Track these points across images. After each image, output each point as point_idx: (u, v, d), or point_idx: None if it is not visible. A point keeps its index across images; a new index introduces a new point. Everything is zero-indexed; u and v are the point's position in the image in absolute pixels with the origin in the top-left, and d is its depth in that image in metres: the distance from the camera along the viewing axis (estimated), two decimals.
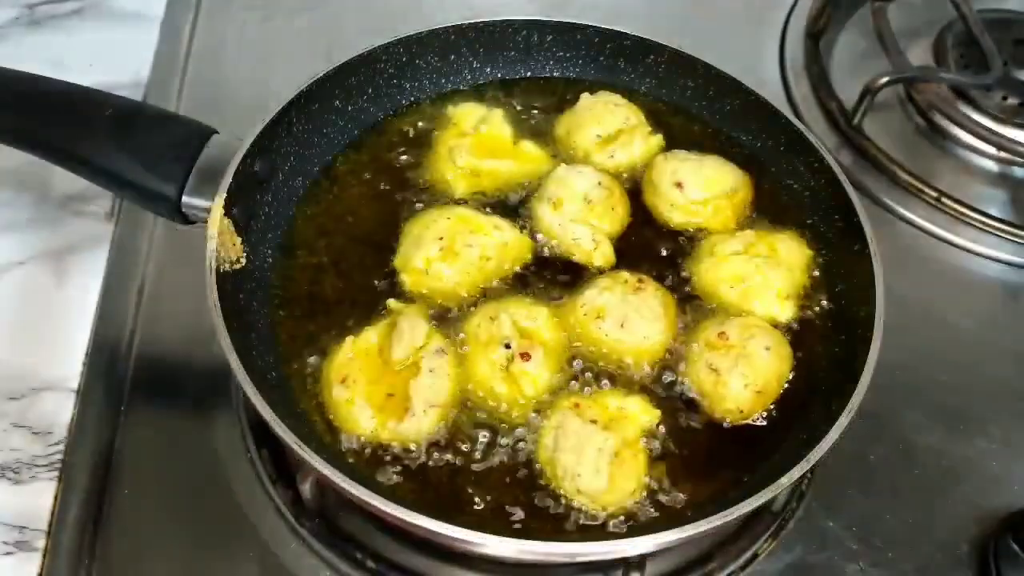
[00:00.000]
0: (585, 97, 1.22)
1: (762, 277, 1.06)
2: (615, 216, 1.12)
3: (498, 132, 1.19)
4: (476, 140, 1.17)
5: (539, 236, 1.11)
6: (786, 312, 1.06)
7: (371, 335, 1.00)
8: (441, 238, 1.06)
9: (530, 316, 1.01)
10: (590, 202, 1.10)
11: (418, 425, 0.95)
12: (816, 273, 1.10)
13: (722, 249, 1.09)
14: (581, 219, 1.10)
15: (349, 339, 1.00)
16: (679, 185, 1.13)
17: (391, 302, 1.03)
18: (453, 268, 1.05)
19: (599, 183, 1.12)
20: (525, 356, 0.98)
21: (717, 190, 1.13)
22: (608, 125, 1.19)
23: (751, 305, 1.05)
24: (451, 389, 0.97)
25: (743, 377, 0.98)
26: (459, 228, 1.07)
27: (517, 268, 1.08)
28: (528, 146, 1.18)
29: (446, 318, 1.03)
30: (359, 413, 0.95)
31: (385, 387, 0.96)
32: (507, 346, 0.99)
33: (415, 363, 0.97)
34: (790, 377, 1.02)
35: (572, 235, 1.09)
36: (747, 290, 1.06)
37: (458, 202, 1.13)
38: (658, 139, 1.20)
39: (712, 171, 1.14)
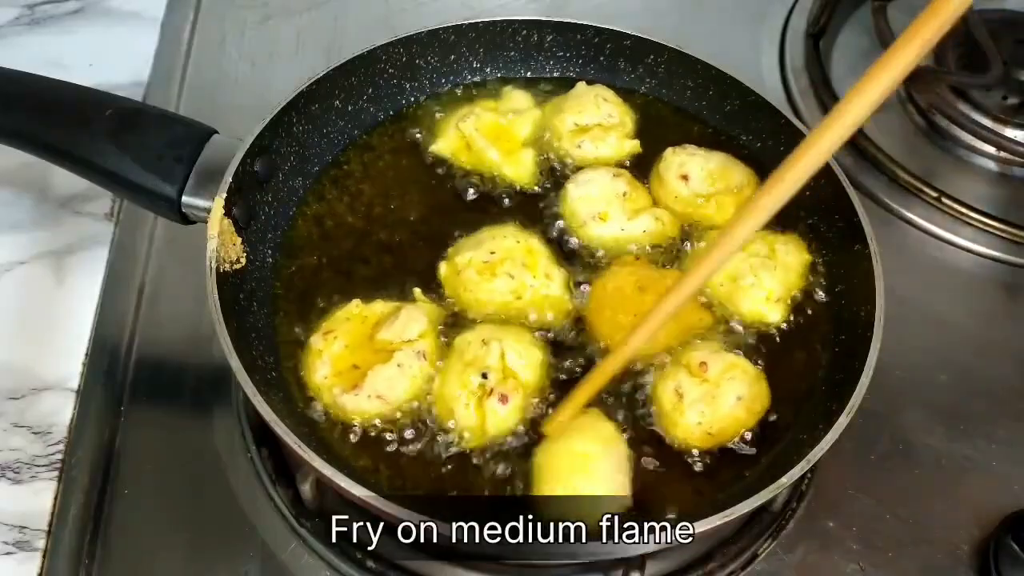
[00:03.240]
0: (580, 85, 1.22)
1: (755, 278, 1.05)
2: (644, 192, 1.14)
3: (517, 128, 1.19)
4: (495, 122, 1.17)
5: (599, 252, 1.09)
6: (775, 314, 1.05)
7: (378, 307, 1.01)
8: (494, 253, 1.04)
9: (521, 356, 0.97)
10: (624, 194, 1.11)
11: (357, 406, 0.94)
12: (816, 274, 1.10)
13: None
14: (630, 213, 1.11)
15: (356, 301, 1.01)
16: (684, 177, 1.13)
17: (417, 291, 1.03)
18: (480, 285, 1.02)
19: (613, 175, 1.13)
20: (503, 399, 0.94)
21: (721, 185, 1.13)
22: (588, 116, 1.18)
23: (740, 303, 1.05)
24: (408, 394, 0.96)
25: (701, 415, 0.95)
26: (516, 255, 1.04)
27: (536, 327, 1.02)
28: (526, 155, 1.17)
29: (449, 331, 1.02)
30: (320, 366, 0.96)
31: (357, 358, 0.97)
32: (484, 375, 0.95)
33: (390, 352, 0.97)
34: (753, 424, 0.98)
35: (643, 228, 1.10)
36: (738, 288, 1.05)
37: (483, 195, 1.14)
38: (634, 144, 1.19)
39: (718, 167, 1.14)
